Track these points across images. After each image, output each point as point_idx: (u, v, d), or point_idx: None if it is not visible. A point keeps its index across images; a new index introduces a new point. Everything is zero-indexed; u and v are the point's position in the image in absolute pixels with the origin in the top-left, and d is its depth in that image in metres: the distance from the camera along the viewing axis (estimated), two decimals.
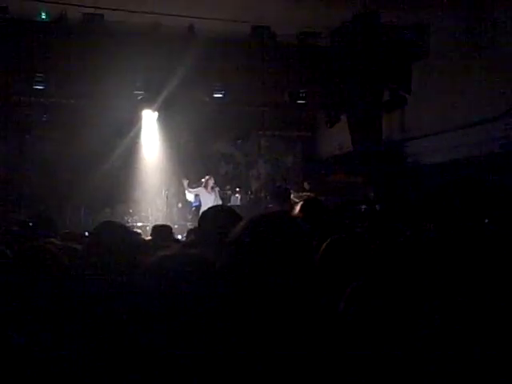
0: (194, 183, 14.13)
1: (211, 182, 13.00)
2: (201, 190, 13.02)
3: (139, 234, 8.32)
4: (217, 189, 12.90)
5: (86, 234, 5.09)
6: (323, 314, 1.78)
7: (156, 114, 13.47)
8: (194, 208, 13.43)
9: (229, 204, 12.82)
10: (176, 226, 12.17)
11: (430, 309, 2.08)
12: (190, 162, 15.73)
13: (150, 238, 8.14)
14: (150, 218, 13.78)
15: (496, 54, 9.66)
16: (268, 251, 1.54)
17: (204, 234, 2.86)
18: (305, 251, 1.63)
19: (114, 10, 9.99)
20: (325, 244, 2.98)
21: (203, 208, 11.07)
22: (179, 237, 10.28)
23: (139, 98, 11.53)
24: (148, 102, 12.01)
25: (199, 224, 2.98)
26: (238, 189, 14.67)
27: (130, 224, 12.99)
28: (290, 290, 1.54)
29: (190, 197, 13.36)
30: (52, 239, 3.58)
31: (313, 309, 1.62)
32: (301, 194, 13.82)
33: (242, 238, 1.58)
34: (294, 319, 1.52)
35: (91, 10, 10.13)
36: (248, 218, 1.68)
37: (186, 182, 13.27)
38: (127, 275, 1.83)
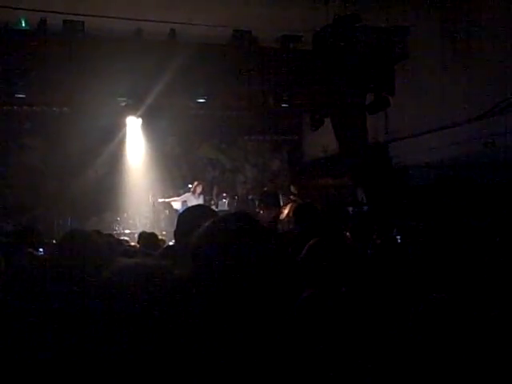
0: (181, 189, 14.12)
1: (199, 189, 13.00)
2: (188, 196, 13.00)
3: (125, 241, 8.30)
4: (201, 195, 12.92)
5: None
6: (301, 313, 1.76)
7: (140, 120, 13.42)
8: None
9: (216, 209, 12.79)
10: (164, 233, 12.13)
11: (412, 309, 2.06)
12: (176, 168, 15.70)
13: (135, 244, 8.19)
14: (138, 226, 13.72)
15: (476, 53, 9.72)
16: (228, 255, 1.51)
17: (180, 236, 2.82)
18: (266, 251, 1.60)
19: (94, 16, 9.94)
20: (307, 246, 2.97)
21: None
22: (171, 243, 10.26)
23: (123, 104, 11.46)
24: (132, 109, 11.94)
25: (176, 225, 2.94)
26: (224, 194, 14.64)
27: (118, 232, 12.94)
28: (254, 292, 1.51)
29: (176, 205, 13.35)
30: (30, 249, 3.55)
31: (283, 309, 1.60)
32: (288, 197, 13.85)
33: (200, 245, 1.56)
34: (262, 320, 1.49)
35: (72, 17, 10.08)
36: (205, 224, 1.64)
37: (161, 200, 13.45)
38: (88, 285, 1.79)
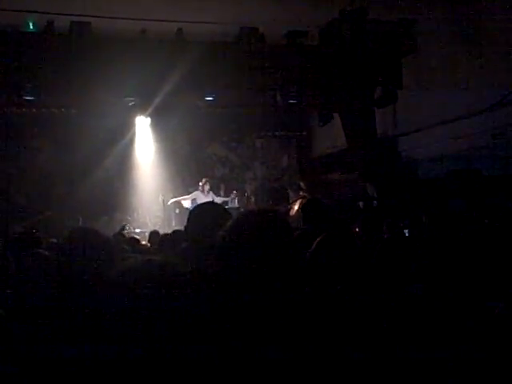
0: (191, 187, 14.17)
1: (207, 187, 13.04)
2: (197, 194, 13.05)
3: (137, 240, 8.31)
4: (210, 192, 12.97)
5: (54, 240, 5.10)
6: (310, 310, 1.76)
7: (149, 119, 13.46)
8: None
9: (226, 207, 12.81)
10: None
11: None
12: (185, 167, 15.74)
13: (146, 243, 8.23)
14: (149, 225, 13.78)
15: (485, 44, 9.67)
16: (254, 250, 1.52)
17: (192, 232, 2.84)
18: (290, 247, 1.62)
19: (101, 17, 9.97)
20: (315, 242, 2.96)
21: None
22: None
23: (131, 104, 11.49)
24: (140, 108, 11.98)
25: (188, 222, 2.95)
26: (234, 191, 14.64)
27: (128, 231, 12.99)
28: (278, 287, 1.52)
29: (186, 203, 13.38)
30: (40, 250, 3.59)
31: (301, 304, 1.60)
32: (298, 193, 13.85)
33: (228, 240, 1.57)
34: (284, 315, 1.50)
35: (78, 19, 10.11)
36: (233, 219, 1.66)
37: (171, 201, 13.52)
38: (93, 284, 1.80)
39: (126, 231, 12.50)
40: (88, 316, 1.39)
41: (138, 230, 13.35)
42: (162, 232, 9.89)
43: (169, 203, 13.83)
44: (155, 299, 1.24)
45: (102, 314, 1.25)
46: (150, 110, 12.00)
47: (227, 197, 14.25)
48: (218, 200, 12.53)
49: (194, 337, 1.25)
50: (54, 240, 6.40)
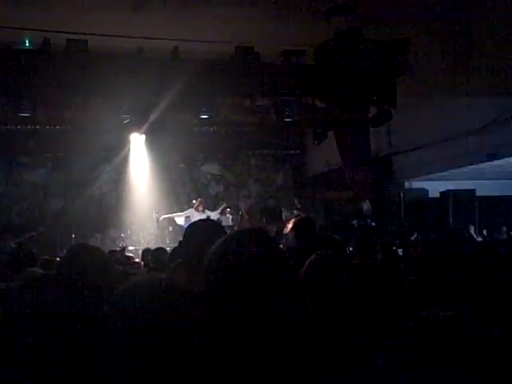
0: (185, 204, 14.17)
1: (201, 207, 13.02)
2: (191, 212, 13.04)
3: (129, 257, 8.27)
4: (205, 211, 12.95)
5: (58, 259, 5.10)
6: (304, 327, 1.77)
7: (144, 137, 13.49)
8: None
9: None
10: (168, 249, 12.09)
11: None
12: (179, 184, 15.75)
13: (139, 261, 8.18)
14: (142, 242, 13.74)
15: (478, 64, 9.74)
16: (241, 271, 1.52)
17: (187, 249, 2.83)
18: (277, 267, 1.62)
19: (97, 35, 10.01)
20: (308, 261, 2.96)
21: None
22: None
23: (126, 121, 11.50)
24: (135, 126, 11.99)
25: (183, 238, 2.95)
26: (228, 209, 14.64)
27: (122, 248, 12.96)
28: (265, 307, 1.53)
29: (179, 221, 13.37)
30: (35, 268, 3.60)
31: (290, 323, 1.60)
32: (292, 211, 13.85)
33: (216, 261, 1.57)
34: (271, 334, 1.50)
35: (75, 36, 10.15)
36: (220, 240, 1.66)
37: (165, 216, 13.50)
38: (97, 301, 1.80)
39: (118, 248, 12.46)
40: (92, 331, 1.39)
41: (131, 248, 13.30)
42: None
43: (161, 218, 13.81)
44: (159, 315, 1.24)
45: (107, 330, 1.25)
46: (144, 128, 12.02)
47: (221, 212, 14.25)
48: (212, 216, 12.54)
49: (190, 354, 1.25)
50: (47, 257, 6.38)
